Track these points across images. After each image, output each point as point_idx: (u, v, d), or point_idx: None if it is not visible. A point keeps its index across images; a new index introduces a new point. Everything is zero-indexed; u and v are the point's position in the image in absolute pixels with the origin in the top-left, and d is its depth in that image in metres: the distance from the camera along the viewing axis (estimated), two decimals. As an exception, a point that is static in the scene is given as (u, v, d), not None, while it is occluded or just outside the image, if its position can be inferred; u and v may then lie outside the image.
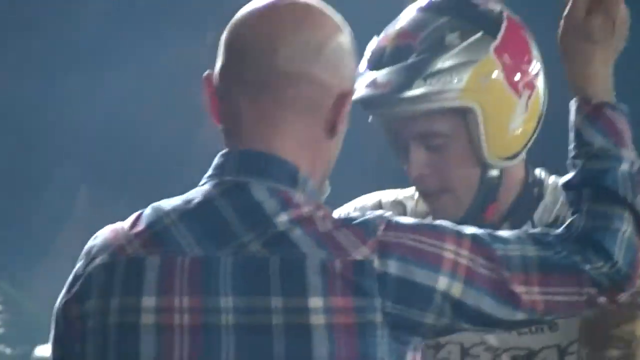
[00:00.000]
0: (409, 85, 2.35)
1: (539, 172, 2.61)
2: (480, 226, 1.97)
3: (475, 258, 1.76)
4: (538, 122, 2.50)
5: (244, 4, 2.03)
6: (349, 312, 1.71)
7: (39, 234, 5.76)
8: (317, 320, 1.69)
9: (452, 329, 1.79)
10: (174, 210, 1.74)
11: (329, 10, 1.83)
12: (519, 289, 1.77)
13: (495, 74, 2.39)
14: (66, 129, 5.37)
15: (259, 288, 1.69)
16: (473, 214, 2.44)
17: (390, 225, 1.75)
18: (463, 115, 2.38)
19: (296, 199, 1.74)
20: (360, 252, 1.70)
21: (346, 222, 1.75)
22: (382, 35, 2.48)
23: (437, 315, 1.72)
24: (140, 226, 1.76)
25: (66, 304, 1.79)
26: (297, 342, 1.69)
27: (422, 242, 1.75)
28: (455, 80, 2.38)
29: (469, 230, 1.81)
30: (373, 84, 2.40)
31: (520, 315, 1.80)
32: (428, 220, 2.36)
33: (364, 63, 2.46)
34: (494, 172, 2.48)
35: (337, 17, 1.84)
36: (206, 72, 1.82)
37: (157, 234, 1.74)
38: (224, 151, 1.80)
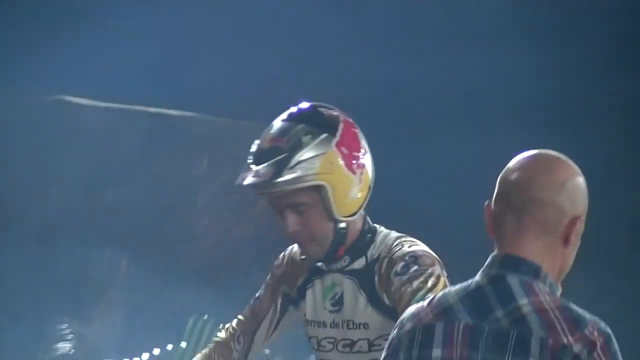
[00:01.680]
0: (279, 174, 3.14)
1: (374, 225, 3.40)
2: (332, 260, 3.21)
3: None
4: (369, 189, 3.30)
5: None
6: None
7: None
8: None
9: None
10: (457, 293, 2.45)
11: (570, 161, 2.47)
12: None
13: (338, 160, 3.19)
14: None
15: (500, 349, 2.39)
16: (330, 253, 3.28)
17: (607, 337, 2.37)
18: (319, 190, 3.18)
19: (537, 287, 2.38)
20: (567, 339, 2.31)
21: (566, 314, 2.36)
22: (260, 139, 3.29)
23: None
24: (434, 304, 2.47)
25: (385, 357, 2.58)
26: None
27: None
28: (311, 168, 3.16)
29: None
30: (256, 174, 3.18)
31: None
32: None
33: (249, 159, 3.24)
34: (342, 225, 3.28)
35: (576, 166, 2.46)
36: (487, 202, 2.47)
37: (444, 309, 2.45)
38: (493, 253, 2.45)
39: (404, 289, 3.28)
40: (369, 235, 3.42)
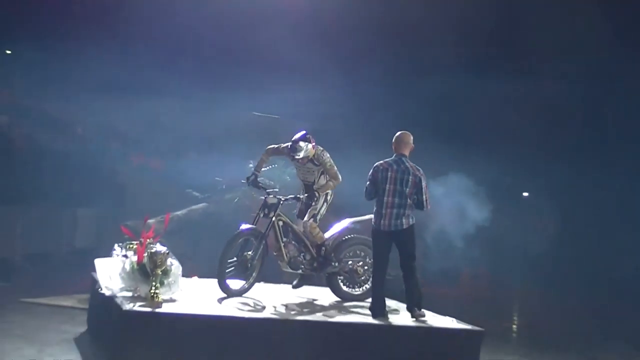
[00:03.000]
0: (300, 154, 12.11)
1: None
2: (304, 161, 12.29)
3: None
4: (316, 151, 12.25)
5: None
6: (416, 180, 11.48)
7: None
8: (411, 179, 11.47)
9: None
10: (390, 160, 11.59)
11: (408, 131, 11.72)
12: None
13: (311, 148, 12.13)
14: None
15: (404, 174, 11.53)
16: (307, 162, 12.32)
17: (424, 174, 11.50)
18: (311, 159, 12.30)
19: (407, 161, 11.58)
20: (417, 173, 11.53)
21: (416, 167, 11.53)
22: (293, 141, 12.13)
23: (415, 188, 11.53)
24: (385, 162, 11.55)
25: (371, 175, 11.71)
26: (405, 184, 11.52)
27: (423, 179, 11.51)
28: (308, 151, 12.14)
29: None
30: (297, 155, 12.16)
31: None
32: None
33: (291, 148, 12.11)
34: (318, 169, 12.37)
35: (409, 132, 11.75)
36: (392, 145, 11.65)
37: (388, 163, 11.56)
38: (395, 154, 11.62)
39: (323, 161, 12.19)
40: (318, 148, 12.18)
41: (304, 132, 12.21)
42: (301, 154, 12.09)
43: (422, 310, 11.42)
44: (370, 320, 11.21)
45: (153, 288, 10.75)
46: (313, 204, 12.34)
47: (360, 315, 11.58)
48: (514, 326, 17.44)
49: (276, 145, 12.41)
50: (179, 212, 18.23)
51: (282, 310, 11.33)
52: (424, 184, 11.50)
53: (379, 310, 11.37)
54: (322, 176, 12.44)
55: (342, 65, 20.09)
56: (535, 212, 22.76)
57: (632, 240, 20.42)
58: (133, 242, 11.52)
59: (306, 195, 12.36)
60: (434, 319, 11.40)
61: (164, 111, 20.48)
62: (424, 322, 11.26)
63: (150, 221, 13.44)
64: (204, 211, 18.95)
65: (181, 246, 12.45)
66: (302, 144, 12.12)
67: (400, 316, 11.58)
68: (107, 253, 11.88)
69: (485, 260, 19.83)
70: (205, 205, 19.17)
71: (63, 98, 19.90)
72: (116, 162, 21.32)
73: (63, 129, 21.39)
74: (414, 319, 11.30)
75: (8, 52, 22.73)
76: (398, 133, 11.74)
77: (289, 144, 12.17)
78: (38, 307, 14.45)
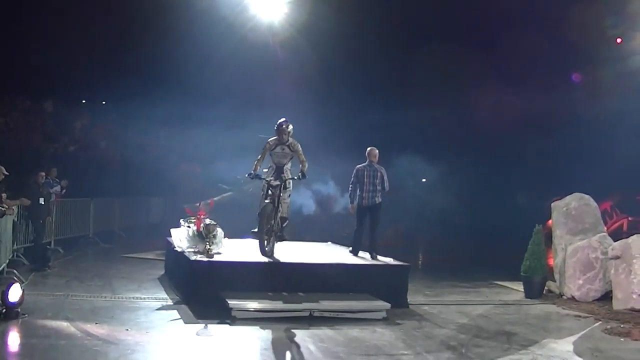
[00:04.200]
0: (289, 128, 9.96)
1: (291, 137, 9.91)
2: (283, 145, 9.75)
3: None
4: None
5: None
6: (380, 175, 10.83)
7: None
8: (378, 175, 10.74)
9: None
10: (366, 164, 10.78)
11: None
12: None
13: (292, 128, 9.95)
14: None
15: (374, 173, 10.73)
16: (284, 145, 9.94)
17: (385, 169, 10.67)
18: (287, 145, 9.98)
19: (378, 166, 10.68)
20: (382, 172, 10.78)
21: (382, 167, 10.65)
22: (281, 123, 9.89)
23: None
24: (363, 164, 10.77)
25: (355, 173, 10.79)
26: (374, 178, 10.70)
27: None
28: (291, 128, 9.95)
29: None
30: (285, 136, 9.94)
31: None
32: None
33: (280, 131, 9.84)
34: (290, 155, 10.04)
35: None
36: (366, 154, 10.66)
37: (364, 165, 10.78)
38: (369, 160, 10.67)
39: (297, 149, 9.74)
40: (290, 138, 9.81)
41: (284, 118, 10.30)
42: (290, 128, 10.06)
43: (376, 255, 11.14)
44: (345, 261, 10.82)
45: (207, 246, 10.38)
46: (288, 186, 10.25)
47: (332, 258, 11.04)
48: (419, 262, 17.34)
49: (262, 152, 10.22)
50: (215, 198, 17.38)
51: (280, 257, 10.52)
52: (385, 177, 11.00)
53: (356, 253, 11.31)
54: (290, 162, 10.31)
55: (315, 103, 20.32)
56: (433, 190, 22.68)
57: (496, 208, 20.49)
58: (192, 217, 11.26)
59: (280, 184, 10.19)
60: (381, 259, 11.00)
61: (202, 135, 20.36)
62: (378, 261, 10.93)
63: (201, 204, 13.06)
64: (230, 197, 18.23)
65: (218, 219, 11.25)
66: (287, 124, 10.16)
67: (362, 258, 11.17)
68: (170, 226, 11.55)
69: (404, 222, 19.91)
70: (231, 194, 18.45)
71: (140, 130, 20.01)
72: (172, 169, 21.26)
73: (140, 149, 21.32)
74: (373, 260, 10.97)
75: (104, 102, 22.73)
76: (369, 148, 11.09)
77: (275, 131, 10.14)
78: (132, 259, 14.24)
